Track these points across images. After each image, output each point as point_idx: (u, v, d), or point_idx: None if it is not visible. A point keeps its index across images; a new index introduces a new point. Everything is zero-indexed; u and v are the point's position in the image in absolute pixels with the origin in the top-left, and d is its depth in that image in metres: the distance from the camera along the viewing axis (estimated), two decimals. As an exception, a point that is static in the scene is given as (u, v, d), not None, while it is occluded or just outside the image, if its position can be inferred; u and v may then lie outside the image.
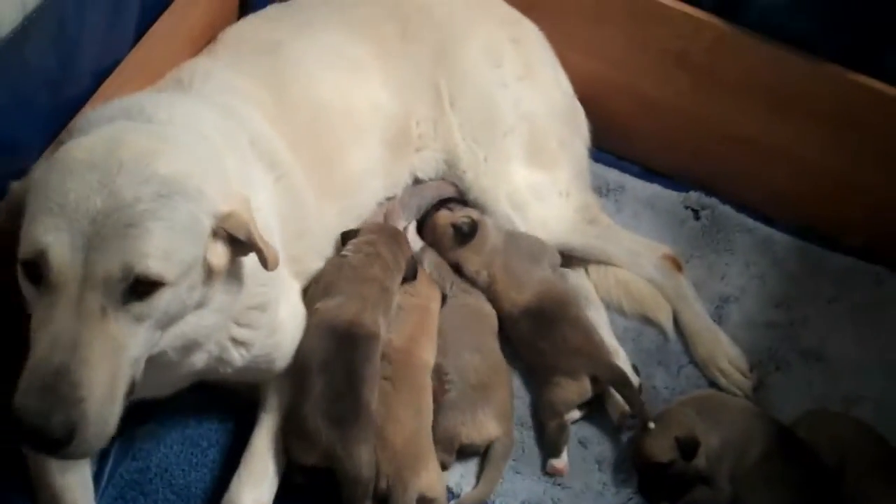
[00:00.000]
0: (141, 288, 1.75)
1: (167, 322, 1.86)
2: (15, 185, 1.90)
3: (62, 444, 1.69)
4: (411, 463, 2.26)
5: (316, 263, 2.54)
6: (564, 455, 2.50)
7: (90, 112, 2.16)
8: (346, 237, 2.62)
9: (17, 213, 1.84)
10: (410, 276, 2.63)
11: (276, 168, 2.31)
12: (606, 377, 2.54)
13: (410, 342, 2.49)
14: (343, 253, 2.56)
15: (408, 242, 2.72)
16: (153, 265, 1.74)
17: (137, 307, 1.76)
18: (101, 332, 1.72)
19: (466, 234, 2.75)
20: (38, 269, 1.73)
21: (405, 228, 2.83)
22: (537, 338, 2.62)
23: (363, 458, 2.20)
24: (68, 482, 2.20)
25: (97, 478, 2.29)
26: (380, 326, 2.43)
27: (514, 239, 2.80)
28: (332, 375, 2.28)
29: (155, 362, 1.90)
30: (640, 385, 2.64)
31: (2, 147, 2.16)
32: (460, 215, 2.79)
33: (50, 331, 1.70)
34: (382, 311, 2.47)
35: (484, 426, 2.43)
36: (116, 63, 2.49)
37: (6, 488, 2.24)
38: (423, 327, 2.54)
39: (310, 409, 2.24)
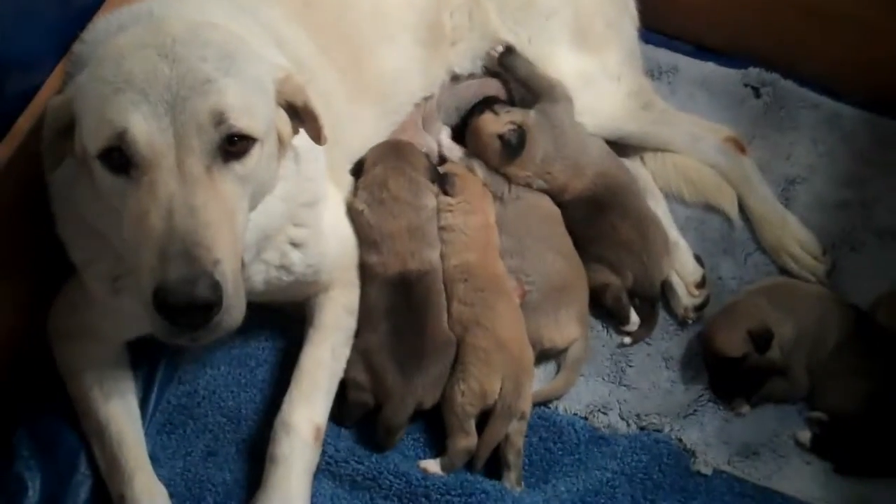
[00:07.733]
0: (235, 147, 1.72)
1: (258, 191, 1.84)
2: (55, 100, 1.82)
3: (212, 309, 1.66)
4: (526, 368, 2.29)
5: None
6: (633, 316, 2.50)
7: (99, 20, 2.12)
8: (354, 174, 2.51)
9: (65, 129, 1.79)
10: (439, 182, 2.54)
11: (304, 72, 2.20)
12: (640, 289, 2.50)
13: (486, 256, 2.45)
14: (357, 206, 2.43)
15: (416, 151, 2.57)
16: (241, 117, 1.71)
17: (237, 167, 1.74)
18: (214, 193, 1.69)
19: (515, 146, 2.58)
20: (121, 154, 1.67)
21: (440, 134, 2.70)
22: (587, 225, 2.56)
23: (411, 407, 2.24)
24: (113, 411, 2.19)
25: (143, 405, 2.27)
26: (430, 261, 2.41)
27: (558, 122, 2.62)
28: (398, 316, 2.30)
29: None
30: (704, 276, 2.57)
31: (14, 62, 2.14)
32: (506, 120, 2.61)
33: (161, 203, 1.65)
34: (426, 245, 2.42)
35: (566, 327, 2.40)
36: (127, -32, 2.39)
37: (53, 420, 2.23)
38: (490, 241, 2.48)
39: (377, 347, 2.27)
